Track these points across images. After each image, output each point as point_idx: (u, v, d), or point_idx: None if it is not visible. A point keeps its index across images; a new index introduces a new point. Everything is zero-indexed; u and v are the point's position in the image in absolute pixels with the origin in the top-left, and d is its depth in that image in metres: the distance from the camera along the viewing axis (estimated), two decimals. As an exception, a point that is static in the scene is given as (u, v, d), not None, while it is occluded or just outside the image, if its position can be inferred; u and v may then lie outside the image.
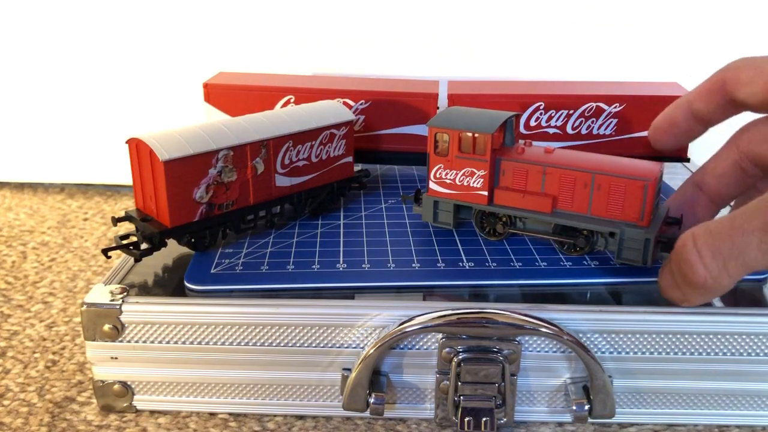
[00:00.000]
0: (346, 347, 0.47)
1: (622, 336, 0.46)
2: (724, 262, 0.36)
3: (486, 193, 0.53)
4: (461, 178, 0.54)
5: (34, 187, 0.94)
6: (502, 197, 0.53)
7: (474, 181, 0.53)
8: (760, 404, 0.48)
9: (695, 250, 0.37)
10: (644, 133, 0.66)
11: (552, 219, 0.52)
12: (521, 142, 0.54)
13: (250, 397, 0.49)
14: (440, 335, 0.46)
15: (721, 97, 0.44)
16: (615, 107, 0.65)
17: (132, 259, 0.52)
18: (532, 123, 0.65)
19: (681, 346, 0.46)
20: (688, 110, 0.46)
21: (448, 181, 0.55)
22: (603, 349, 0.46)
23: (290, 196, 0.58)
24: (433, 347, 0.46)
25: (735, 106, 0.45)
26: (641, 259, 0.48)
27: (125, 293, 0.47)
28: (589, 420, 0.46)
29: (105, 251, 0.50)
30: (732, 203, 0.50)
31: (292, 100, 0.66)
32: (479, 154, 0.53)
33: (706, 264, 0.37)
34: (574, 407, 0.46)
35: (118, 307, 0.46)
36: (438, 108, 0.66)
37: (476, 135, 0.52)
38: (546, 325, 0.44)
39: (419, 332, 0.45)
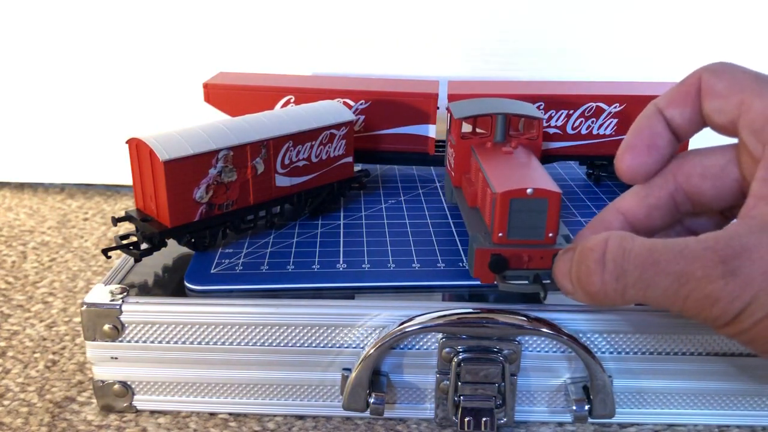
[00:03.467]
0: (346, 347, 0.47)
1: (622, 336, 0.46)
2: (625, 288, 0.33)
3: (454, 173, 0.58)
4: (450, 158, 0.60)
5: (34, 187, 0.94)
6: (464, 183, 0.56)
7: (451, 161, 0.58)
8: (760, 404, 0.48)
9: (602, 262, 0.33)
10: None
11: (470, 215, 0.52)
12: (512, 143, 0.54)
13: (250, 397, 0.49)
14: (440, 335, 0.46)
15: (699, 103, 0.37)
16: (615, 107, 0.65)
17: (132, 259, 0.52)
18: (532, 123, 0.65)
19: (681, 346, 0.46)
20: (662, 120, 0.38)
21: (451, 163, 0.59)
22: (603, 349, 0.46)
23: (290, 196, 0.58)
24: (433, 347, 0.46)
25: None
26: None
27: (125, 293, 0.47)
28: (589, 420, 0.46)
29: (105, 251, 0.50)
30: None
31: (292, 100, 0.66)
32: (454, 135, 0.57)
33: (606, 280, 0.33)
34: (574, 407, 0.46)
35: (118, 307, 0.46)
36: (438, 108, 0.66)
37: (453, 118, 0.57)
38: (546, 325, 0.44)
39: (419, 332, 0.45)
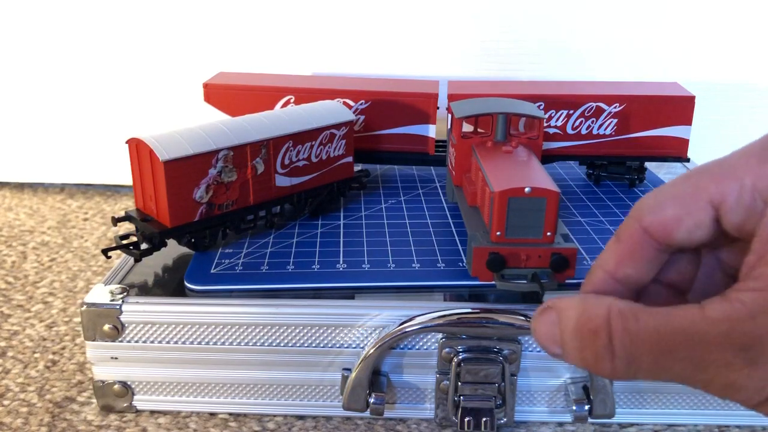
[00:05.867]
0: (346, 347, 0.47)
1: (622, 336, 0.46)
2: (637, 371, 0.30)
3: (454, 172, 0.58)
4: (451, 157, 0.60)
5: (34, 187, 0.94)
6: (465, 183, 0.56)
7: (452, 160, 0.58)
8: (760, 404, 0.48)
9: (610, 348, 0.31)
10: (644, 133, 0.66)
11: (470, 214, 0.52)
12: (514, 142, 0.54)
13: (250, 397, 0.49)
14: (440, 335, 0.46)
15: (652, 250, 0.34)
16: (615, 107, 0.65)
17: (132, 259, 0.52)
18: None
19: (681, 346, 0.46)
20: (613, 283, 0.35)
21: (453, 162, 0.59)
22: (603, 349, 0.46)
23: (290, 196, 0.58)
24: (433, 347, 0.46)
25: (671, 252, 0.35)
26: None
27: (125, 293, 0.47)
28: (589, 420, 0.46)
29: (105, 251, 0.50)
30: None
31: (292, 100, 0.66)
32: (455, 135, 0.57)
33: (617, 367, 0.31)
34: (574, 407, 0.46)
35: (118, 307, 0.46)
36: (438, 108, 0.66)
37: (454, 118, 0.56)
38: (546, 325, 0.44)
39: (419, 332, 0.45)
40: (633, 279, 0.34)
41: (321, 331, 0.46)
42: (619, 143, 0.66)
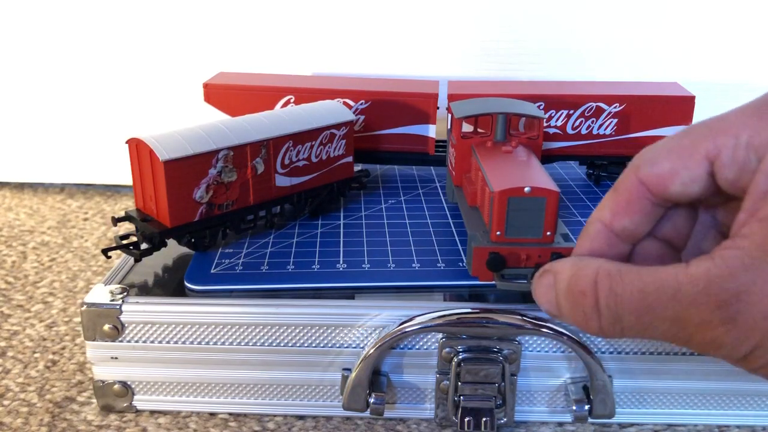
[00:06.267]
0: (346, 347, 0.47)
1: (622, 336, 0.46)
2: (623, 330, 0.31)
3: (454, 172, 0.58)
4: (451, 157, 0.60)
5: (34, 187, 0.94)
6: (465, 183, 0.56)
7: (452, 160, 0.58)
8: (760, 404, 0.48)
9: (596, 308, 0.32)
10: (644, 133, 0.66)
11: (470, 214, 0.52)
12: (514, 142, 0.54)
13: (250, 397, 0.49)
14: (440, 335, 0.46)
15: (648, 202, 0.34)
16: (615, 107, 0.65)
17: (132, 259, 0.52)
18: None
19: (681, 346, 0.46)
20: (609, 235, 0.35)
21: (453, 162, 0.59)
22: (603, 349, 0.46)
23: (290, 196, 0.58)
24: (433, 347, 0.46)
25: (667, 206, 0.35)
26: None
27: (125, 293, 0.47)
28: (589, 420, 0.46)
29: (105, 251, 0.50)
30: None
31: (292, 100, 0.66)
32: (455, 135, 0.56)
33: (603, 326, 0.32)
34: (574, 407, 0.46)
35: (118, 307, 0.46)
36: (438, 108, 0.66)
37: (454, 118, 0.56)
38: (546, 325, 0.44)
39: (419, 332, 0.45)
40: (628, 231, 0.34)
41: (321, 331, 0.46)
42: (619, 143, 0.66)
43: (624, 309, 0.31)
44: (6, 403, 0.50)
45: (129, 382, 0.49)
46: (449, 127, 0.60)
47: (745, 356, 0.29)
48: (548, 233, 0.44)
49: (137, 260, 0.51)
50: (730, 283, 0.28)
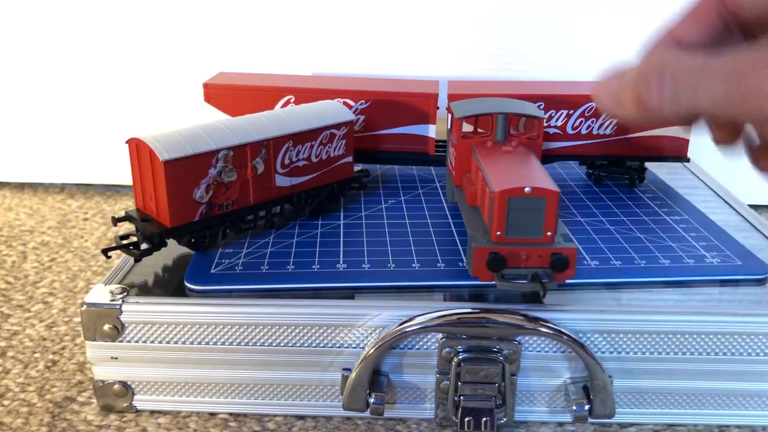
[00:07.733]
0: (346, 347, 0.47)
1: (622, 336, 0.46)
2: (677, 105, 0.32)
3: (454, 172, 0.58)
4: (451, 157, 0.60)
5: (34, 187, 0.94)
6: (465, 183, 0.56)
7: (452, 160, 0.58)
8: (760, 404, 0.48)
9: (661, 80, 0.32)
10: (644, 133, 0.66)
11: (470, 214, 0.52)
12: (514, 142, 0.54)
13: (250, 397, 0.49)
14: (440, 335, 0.46)
15: (718, 17, 0.34)
16: (615, 107, 0.64)
17: (132, 259, 0.52)
18: (532, 123, 0.65)
19: (681, 346, 0.46)
20: (671, 46, 0.36)
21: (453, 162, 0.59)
22: (603, 349, 0.46)
23: (290, 196, 0.58)
24: (433, 347, 0.46)
25: (731, 23, 0.35)
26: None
27: (125, 293, 0.47)
28: (589, 420, 0.46)
29: (105, 251, 0.50)
30: None
31: (292, 100, 0.66)
32: (455, 135, 0.56)
33: (663, 101, 0.32)
34: (574, 407, 0.46)
35: (118, 307, 0.46)
36: (438, 108, 0.66)
37: (454, 118, 0.57)
38: (546, 325, 0.44)
39: (419, 332, 0.45)
40: (689, 39, 0.36)
41: (321, 331, 0.46)
42: (619, 143, 0.66)
43: (686, 83, 0.31)
44: (6, 403, 0.50)
45: (129, 382, 0.49)
46: (449, 127, 0.60)
47: None
48: (548, 233, 0.44)
49: (137, 260, 0.51)
50: None
